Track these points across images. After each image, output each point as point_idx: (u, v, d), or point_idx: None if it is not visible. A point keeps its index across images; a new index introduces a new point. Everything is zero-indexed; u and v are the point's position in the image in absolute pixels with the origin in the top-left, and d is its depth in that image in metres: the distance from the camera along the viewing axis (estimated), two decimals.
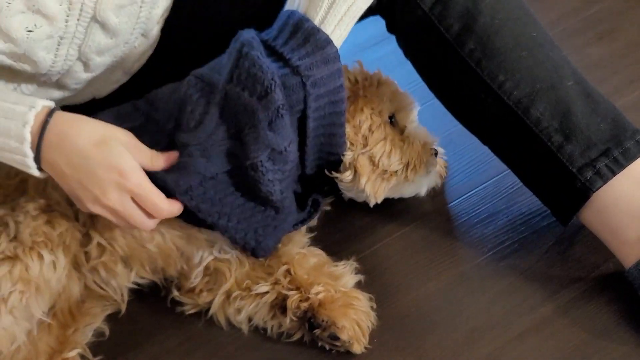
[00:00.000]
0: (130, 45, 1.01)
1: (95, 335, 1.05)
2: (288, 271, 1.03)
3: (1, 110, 0.87)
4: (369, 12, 1.05)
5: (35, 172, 0.90)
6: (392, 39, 1.09)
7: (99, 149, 0.88)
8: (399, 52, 1.09)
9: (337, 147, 1.04)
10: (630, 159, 0.95)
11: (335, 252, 1.09)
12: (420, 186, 1.13)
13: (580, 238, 1.06)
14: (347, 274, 1.04)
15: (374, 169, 1.06)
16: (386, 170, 1.07)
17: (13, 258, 0.93)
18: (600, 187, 0.95)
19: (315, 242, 1.10)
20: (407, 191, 1.13)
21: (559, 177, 0.98)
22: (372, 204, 1.09)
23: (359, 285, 1.05)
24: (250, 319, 1.04)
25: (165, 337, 1.06)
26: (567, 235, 1.07)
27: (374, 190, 1.07)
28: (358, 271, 1.06)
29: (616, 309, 0.98)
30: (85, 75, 1.02)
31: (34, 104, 0.88)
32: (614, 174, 0.95)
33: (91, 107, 1.08)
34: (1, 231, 0.95)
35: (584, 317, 0.98)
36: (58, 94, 1.05)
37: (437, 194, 1.17)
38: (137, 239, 1.02)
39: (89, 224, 1.01)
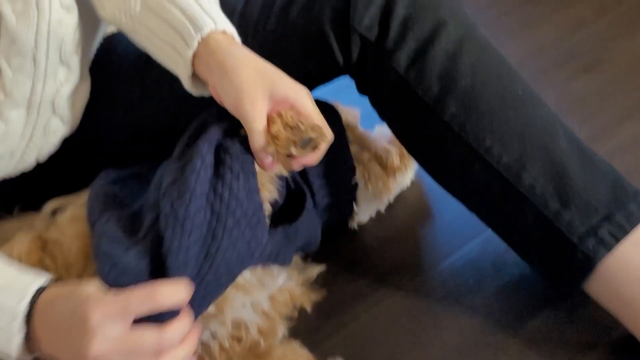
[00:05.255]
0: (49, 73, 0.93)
1: None
2: None
3: None
4: (336, 72, 0.95)
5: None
6: None
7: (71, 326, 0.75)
8: None
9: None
10: (634, 223, 0.87)
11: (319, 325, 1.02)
12: None
13: (578, 303, 0.97)
14: None
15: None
16: None
17: None
18: (604, 256, 0.87)
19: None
20: None
21: (558, 248, 0.89)
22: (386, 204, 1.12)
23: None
24: None
25: None
26: (564, 302, 0.98)
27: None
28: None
29: None
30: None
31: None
32: (617, 240, 0.86)
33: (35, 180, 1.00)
34: None
35: None
36: None
37: (423, 256, 1.09)
38: None
39: None
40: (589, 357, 0.92)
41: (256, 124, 0.80)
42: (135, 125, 1.04)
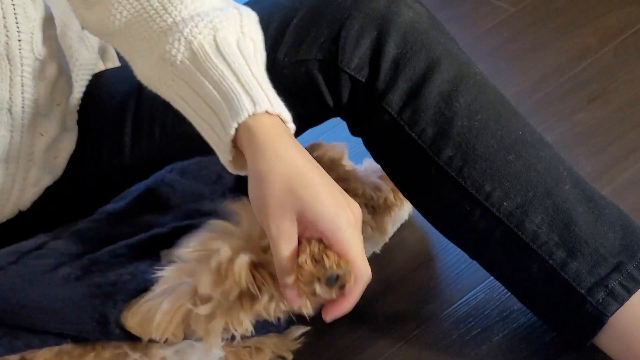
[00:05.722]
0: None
1: None
2: None
3: None
4: (327, 114, 0.90)
5: None
6: None
7: None
8: None
9: None
10: None
11: None
12: None
13: (588, 356, 0.89)
14: None
15: None
16: None
17: None
18: (616, 310, 0.81)
19: None
20: None
21: (566, 301, 0.83)
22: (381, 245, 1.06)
23: None
24: None
25: None
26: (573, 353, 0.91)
27: None
28: None
29: None
30: None
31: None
32: (630, 293, 0.81)
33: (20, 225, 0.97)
34: None
35: None
36: None
37: (425, 304, 1.02)
38: None
39: None
40: None
41: (280, 247, 0.69)
42: (127, 167, 0.99)
